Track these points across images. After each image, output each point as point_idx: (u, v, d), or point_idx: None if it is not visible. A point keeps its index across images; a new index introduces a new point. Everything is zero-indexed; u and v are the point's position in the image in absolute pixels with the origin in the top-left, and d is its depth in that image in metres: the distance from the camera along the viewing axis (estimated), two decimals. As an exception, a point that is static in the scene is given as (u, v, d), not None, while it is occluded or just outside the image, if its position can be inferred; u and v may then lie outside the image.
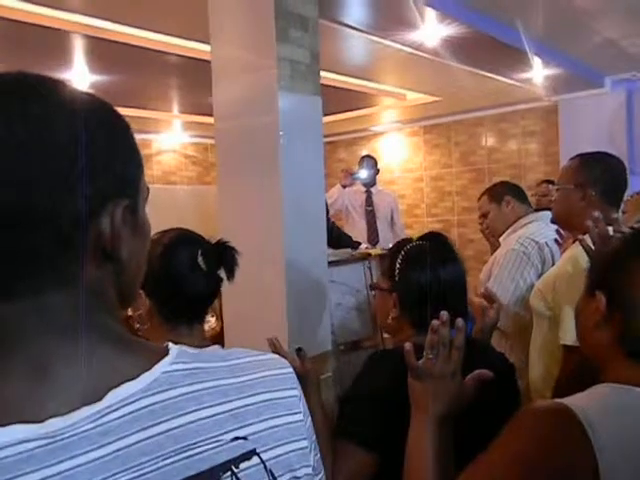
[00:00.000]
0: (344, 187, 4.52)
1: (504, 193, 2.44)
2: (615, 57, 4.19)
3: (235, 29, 1.98)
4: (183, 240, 1.17)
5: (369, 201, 4.68)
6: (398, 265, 1.24)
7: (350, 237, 3.54)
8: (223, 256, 1.13)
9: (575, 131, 4.92)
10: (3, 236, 0.43)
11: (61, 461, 0.40)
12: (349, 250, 2.51)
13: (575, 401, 0.75)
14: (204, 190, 6.31)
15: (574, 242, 1.68)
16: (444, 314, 1.00)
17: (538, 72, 4.20)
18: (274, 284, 1.86)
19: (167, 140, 6.52)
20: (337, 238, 3.04)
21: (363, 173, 4.56)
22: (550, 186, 3.82)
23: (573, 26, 3.45)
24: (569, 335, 1.49)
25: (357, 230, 4.51)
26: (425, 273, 1.19)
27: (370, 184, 4.67)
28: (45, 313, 0.45)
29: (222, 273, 1.15)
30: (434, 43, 3.27)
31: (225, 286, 1.20)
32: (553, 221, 1.97)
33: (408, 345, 1.01)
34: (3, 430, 0.40)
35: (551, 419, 0.74)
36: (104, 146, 0.47)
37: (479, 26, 3.15)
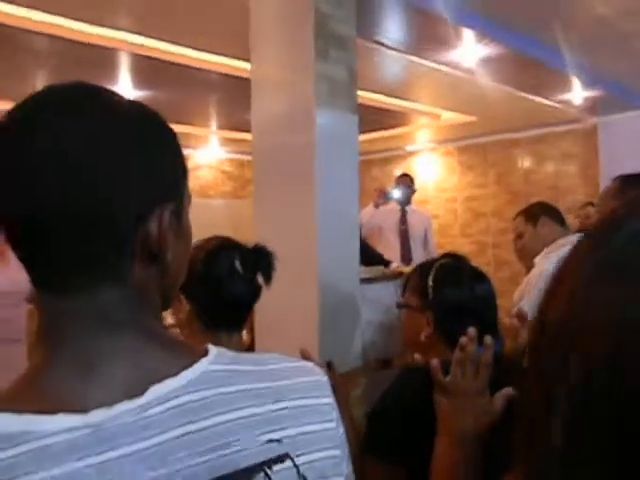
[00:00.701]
0: (377, 207, 4.51)
1: (540, 214, 2.40)
2: (657, 78, 4.11)
3: (275, 48, 2.02)
4: (223, 246, 1.20)
5: (403, 219, 4.65)
6: (431, 282, 1.23)
7: (381, 255, 3.53)
8: (260, 260, 1.15)
9: (615, 153, 4.83)
10: (59, 236, 0.46)
11: (103, 451, 0.42)
12: (381, 268, 2.51)
13: None
14: (239, 204, 6.41)
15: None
16: (472, 330, 1.00)
17: (577, 93, 4.15)
18: (307, 299, 1.87)
19: (205, 155, 6.65)
20: (368, 256, 3.04)
21: (397, 193, 4.54)
22: (591, 208, 3.75)
23: (613, 46, 3.41)
24: None
25: (390, 249, 4.48)
26: (461, 290, 1.19)
27: (405, 203, 4.64)
28: (97, 309, 0.47)
29: (260, 280, 1.17)
30: (470, 62, 3.27)
31: (258, 298, 1.22)
32: None
33: (435, 361, 1.01)
34: (50, 418, 0.42)
35: None
36: (154, 153, 0.50)
37: (516, 46, 3.14)
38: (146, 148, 0.49)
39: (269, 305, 1.81)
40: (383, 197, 4.49)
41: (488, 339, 1.01)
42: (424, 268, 1.30)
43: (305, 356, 1.33)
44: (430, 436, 1.01)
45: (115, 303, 0.48)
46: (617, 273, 0.33)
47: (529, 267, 2.44)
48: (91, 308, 0.47)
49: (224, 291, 1.15)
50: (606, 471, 0.30)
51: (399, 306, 1.36)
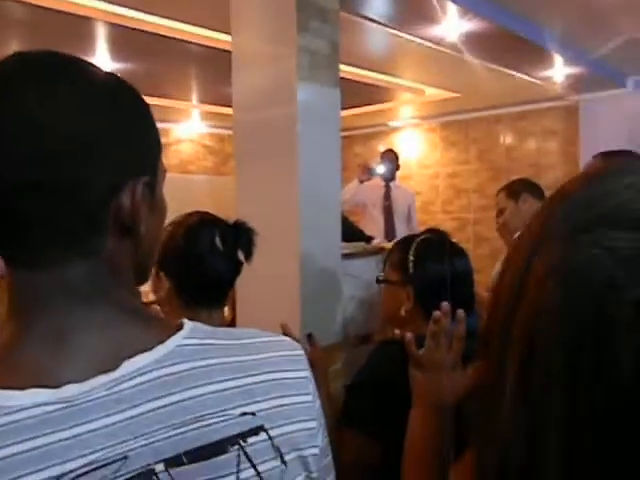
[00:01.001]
0: (361, 182, 4.50)
1: (522, 190, 2.43)
2: (638, 57, 4.12)
3: (256, 19, 1.99)
4: (203, 222, 1.19)
5: (387, 196, 4.65)
6: (412, 257, 1.24)
7: (362, 231, 3.53)
8: (240, 237, 1.14)
9: (595, 131, 4.86)
10: (32, 209, 0.45)
11: (76, 425, 0.42)
12: (362, 244, 2.52)
13: None
14: (220, 180, 6.35)
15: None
16: (445, 305, 1.02)
17: (559, 70, 4.16)
18: (288, 274, 1.87)
19: (185, 129, 6.56)
20: (350, 232, 3.04)
21: (381, 168, 4.53)
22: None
23: (596, 25, 3.41)
24: None
25: (374, 225, 4.49)
26: (442, 265, 1.21)
27: (389, 179, 4.64)
28: (67, 283, 0.47)
29: (241, 256, 1.16)
30: (454, 38, 3.25)
31: (239, 275, 1.21)
32: None
33: (409, 335, 1.03)
34: (22, 393, 0.42)
35: None
36: (127, 124, 0.49)
37: (500, 21, 3.12)
38: (119, 119, 0.48)
39: (250, 281, 1.81)
40: (367, 172, 4.48)
41: (460, 313, 1.03)
42: (405, 243, 1.31)
43: (285, 331, 1.34)
44: (406, 409, 1.03)
45: (86, 277, 0.47)
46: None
47: (510, 243, 2.47)
48: (62, 282, 0.46)
49: (204, 267, 1.15)
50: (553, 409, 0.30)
51: (379, 281, 1.37)
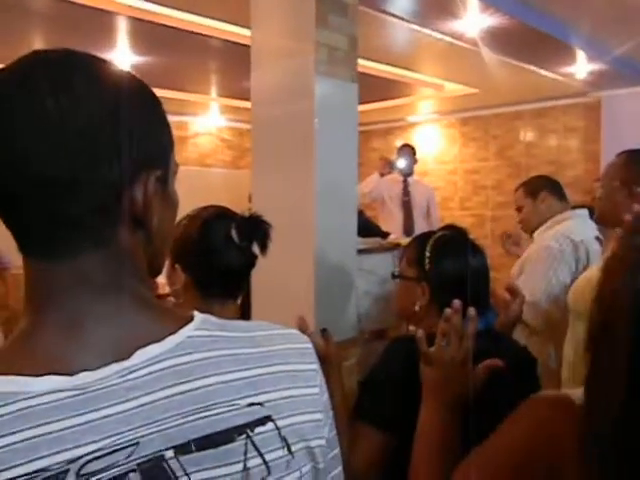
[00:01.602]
0: (382, 175, 4.48)
1: (540, 189, 2.40)
2: (664, 53, 4.05)
3: (275, 14, 1.99)
4: (219, 215, 1.20)
5: (406, 191, 4.62)
6: (429, 254, 1.24)
7: (378, 226, 3.53)
8: (256, 230, 1.15)
9: (618, 128, 4.78)
10: (47, 201, 0.46)
11: (89, 411, 0.43)
12: (378, 239, 2.52)
13: (578, 391, 0.77)
14: (238, 174, 6.38)
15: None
16: (457, 302, 1.02)
17: (582, 67, 4.10)
18: (303, 269, 1.88)
19: (204, 123, 6.59)
20: (366, 227, 3.04)
21: (402, 162, 4.51)
22: (595, 183, 3.73)
23: (619, 20, 3.35)
24: None
25: (393, 220, 4.48)
26: (459, 261, 1.20)
27: (408, 174, 4.61)
28: (81, 274, 0.48)
29: (256, 250, 1.17)
30: (475, 33, 3.22)
31: (255, 268, 1.22)
32: (597, 219, 1.93)
33: (420, 332, 1.03)
34: (38, 380, 0.43)
35: (550, 407, 0.76)
36: (139, 120, 0.50)
37: (522, 17, 3.08)
38: (132, 114, 0.49)
39: (266, 275, 1.82)
40: (388, 166, 4.46)
41: (471, 311, 1.03)
42: (422, 240, 1.31)
43: (301, 325, 1.35)
44: (418, 404, 1.03)
45: (100, 268, 0.48)
46: None
47: (529, 241, 2.45)
48: (76, 272, 0.48)
49: (220, 260, 1.16)
50: None
51: (395, 276, 1.37)
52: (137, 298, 0.50)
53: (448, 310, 1.02)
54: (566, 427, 0.72)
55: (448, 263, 1.22)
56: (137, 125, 0.49)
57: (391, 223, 4.33)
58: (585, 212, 2.39)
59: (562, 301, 2.07)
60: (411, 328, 2.13)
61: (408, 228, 4.49)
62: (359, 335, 2.04)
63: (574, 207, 2.47)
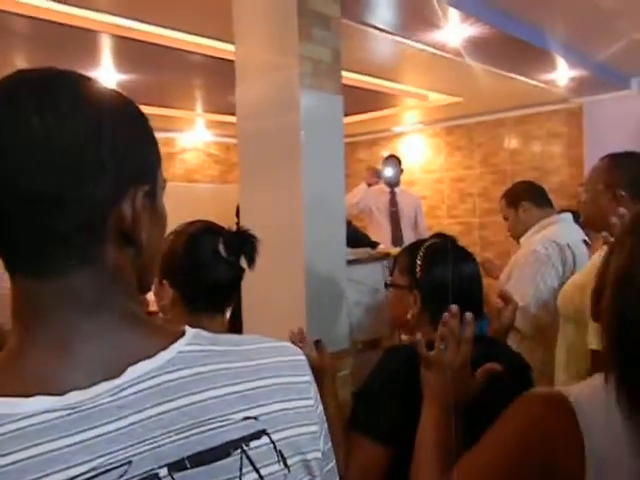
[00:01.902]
0: (369, 185, 4.49)
1: (521, 198, 2.42)
2: (642, 58, 4.12)
3: (259, 28, 2.00)
4: (206, 230, 1.20)
5: (393, 201, 4.64)
6: (419, 262, 1.25)
7: (368, 236, 3.53)
8: (243, 244, 1.15)
9: (600, 133, 4.85)
10: (33, 217, 0.46)
11: (80, 431, 0.43)
12: (368, 249, 2.52)
13: (571, 388, 0.77)
14: (226, 189, 6.37)
15: (604, 244, 1.67)
16: (454, 307, 1.03)
17: (562, 73, 4.15)
18: (293, 281, 1.88)
19: (190, 139, 6.59)
20: (355, 237, 3.04)
21: (388, 172, 4.53)
22: (579, 187, 3.77)
23: (599, 27, 3.41)
24: (597, 339, 1.48)
25: (381, 231, 4.48)
26: (450, 269, 1.21)
27: (394, 184, 4.63)
28: (69, 292, 0.47)
29: (244, 264, 1.17)
30: (457, 43, 3.26)
31: (244, 282, 1.22)
32: (583, 223, 1.95)
33: (419, 335, 1.04)
34: (28, 401, 0.42)
35: (543, 404, 0.76)
36: (126, 136, 0.50)
37: (502, 26, 3.13)
38: (117, 130, 0.49)
39: (257, 288, 1.82)
40: (375, 175, 4.46)
41: (468, 316, 1.04)
42: (413, 248, 1.31)
43: (298, 336, 1.34)
44: (416, 414, 1.03)
45: (88, 285, 0.48)
46: None
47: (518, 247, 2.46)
48: (64, 290, 0.47)
49: (207, 275, 1.15)
50: None
51: (387, 285, 1.37)
52: (127, 315, 0.50)
53: (446, 314, 1.03)
54: (559, 424, 0.72)
55: (439, 271, 1.22)
56: (123, 142, 0.49)
57: (379, 234, 4.34)
58: (570, 216, 2.41)
59: (551, 305, 2.08)
60: (403, 337, 2.13)
61: (396, 238, 4.51)
62: (352, 346, 2.04)
63: (559, 212, 2.50)
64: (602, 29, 3.45)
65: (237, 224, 1.24)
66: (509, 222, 2.46)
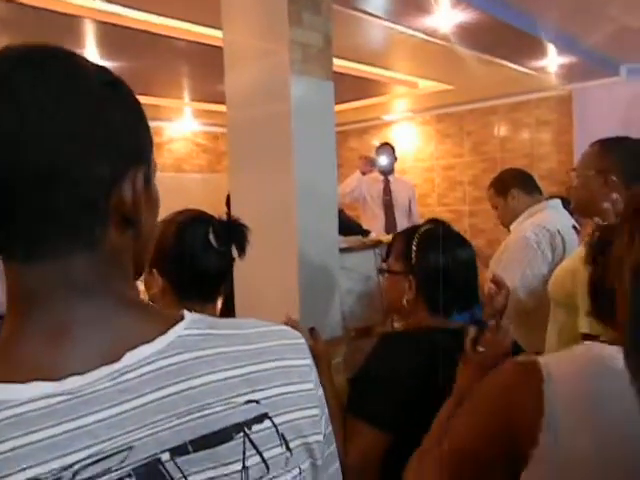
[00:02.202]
0: (363, 174, 4.47)
1: (509, 186, 2.42)
2: (631, 45, 4.13)
3: (247, 14, 1.97)
4: (196, 219, 1.19)
5: (387, 190, 4.62)
6: (415, 247, 1.24)
7: (359, 224, 3.52)
8: (233, 232, 1.14)
9: (589, 120, 4.87)
10: (30, 199, 0.44)
11: (81, 416, 0.42)
12: (359, 237, 2.51)
13: (548, 357, 0.81)
14: (214, 178, 6.33)
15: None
16: (506, 323, 1.06)
17: (552, 60, 4.16)
18: (286, 270, 1.87)
19: (178, 128, 6.53)
20: (347, 225, 3.03)
21: (382, 160, 4.51)
22: (571, 173, 3.78)
23: (588, 13, 3.40)
24: (588, 323, 1.49)
25: (375, 219, 4.48)
26: (444, 255, 1.20)
27: (388, 172, 4.61)
28: (68, 275, 0.46)
29: (234, 252, 1.16)
30: (447, 29, 3.24)
31: (237, 271, 1.21)
32: (573, 209, 1.95)
33: (472, 330, 1.06)
34: (25, 386, 0.42)
35: (515, 373, 0.79)
36: (124, 115, 0.49)
37: (493, 12, 3.11)
38: (116, 109, 0.48)
39: (249, 277, 1.80)
40: (369, 164, 4.44)
41: (506, 324, 1.06)
42: (408, 234, 1.31)
43: (292, 325, 1.34)
44: (419, 402, 1.02)
45: (88, 268, 0.47)
46: None
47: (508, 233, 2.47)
48: (63, 275, 0.46)
49: (197, 264, 1.15)
50: None
51: (381, 271, 1.36)
52: (125, 299, 0.49)
53: (492, 322, 1.06)
54: (525, 390, 0.75)
55: (434, 256, 1.22)
56: (121, 121, 0.48)
57: (373, 222, 4.34)
58: (559, 202, 2.42)
59: (539, 291, 2.09)
60: (396, 324, 2.13)
61: (390, 227, 4.50)
62: (344, 333, 2.03)
63: (548, 198, 2.50)
64: (591, 15, 3.45)
65: (227, 213, 1.22)
66: (499, 210, 2.47)
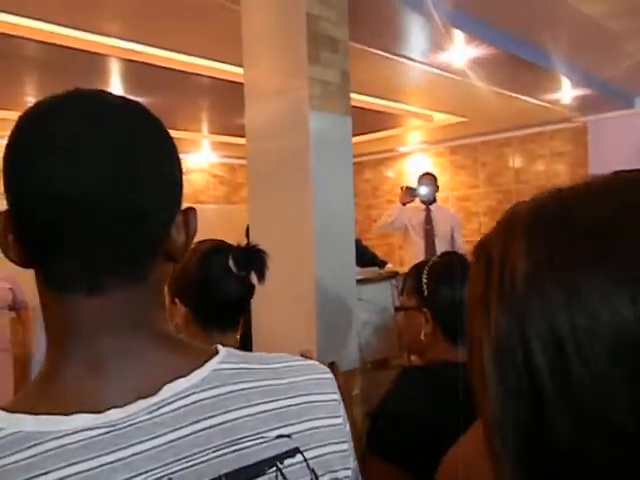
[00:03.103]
0: (404, 204, 4.46)
1: None
2: (645, 78, 4.15)
3: (267, 51, 2.03)
4: (217, 247, 1.21)
5: (428, 219, 4.58)
6: (425, 280, 1.25)
7: (375, 255, 3.52)
8: (253, 258, 1.16)
9: (605, 152, 4.86)
10: (110, 236, 0.46)
11: (119, 449, 0.43)
12: (376, 269, 2.52)
13: None
14: (232, 210, 6.39)
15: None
16: None
17: (567, 93, 4.19)
18: (304, 301, 1.87)
19: (196, 160, 6.64)
20: (364, 256, 3.04)
21: (423, 190, 4.48)
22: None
23: (602, 47, 3.44)
24: None
25: (415, 248, 4.43)
26: (454, 284, 1.20)
27: (430, 202, 4.57)
28: (111, 309, 0.47)
29: (254, 280, 1.17)
30: (461, 64, 3.30)
31: (255, 303, 1.22)
32: None
33: None
34: (68, 418, 0.43)
35: None
36: (170, 157, 0.51)
37: (506, 46, 3.16)
38: (165, 153, 0.51)
39: (266, 307, 1.81)
40: (410, 194, 4.41)
41: None
42: (418, 268, 1.31)
43: (306, 357, 1.34)
44: (437, 439, 1.01)
45: (134, 302, 0.48)
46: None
47: None
48: (106, 308, 0.47)
49: (219, 291, 1.16)
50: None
51: (397, 309, 1.37)
52: (161, 333, 0.50)
53: None
54: None
55: (445, 286, 1.22)
56: (169, 162, 0.51)
57: (414, 251, 4.30)
58: None
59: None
60: (413, 357, 2.11)
61: (430, 255, 4.45)
62: (361, 365, 2.03)
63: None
64: (606, 49, 3.49)
65: (247, 243, 1.25)
66: None
